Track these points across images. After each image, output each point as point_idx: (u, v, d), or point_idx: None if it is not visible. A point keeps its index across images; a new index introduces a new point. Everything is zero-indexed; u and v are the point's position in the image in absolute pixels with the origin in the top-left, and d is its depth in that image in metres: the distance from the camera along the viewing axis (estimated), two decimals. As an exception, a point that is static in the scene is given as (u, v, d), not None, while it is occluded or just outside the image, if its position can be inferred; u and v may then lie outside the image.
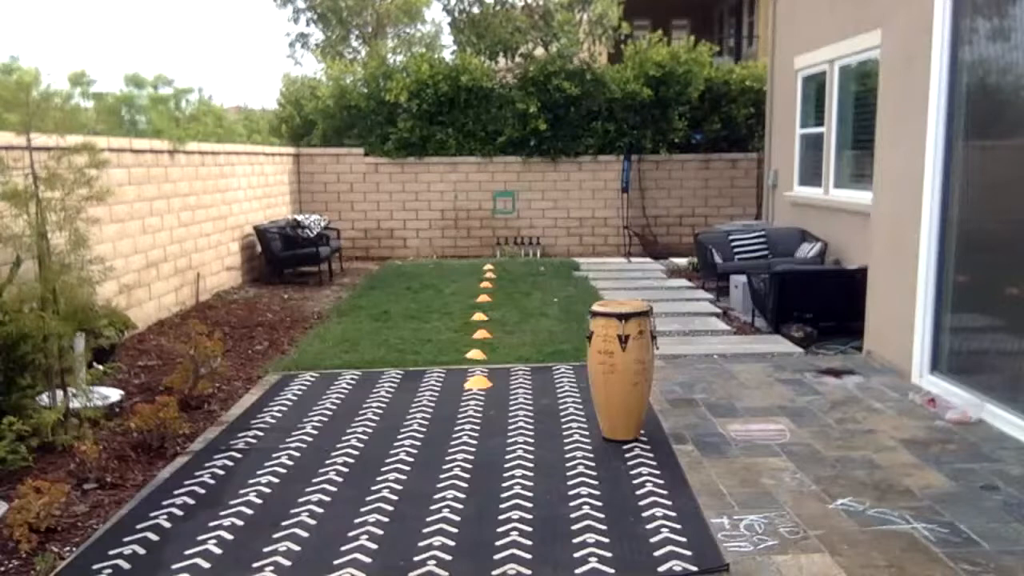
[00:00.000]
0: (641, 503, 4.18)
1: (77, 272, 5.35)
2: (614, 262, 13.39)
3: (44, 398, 5.27)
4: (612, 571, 3.51)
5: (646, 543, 3.75)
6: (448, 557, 3.65)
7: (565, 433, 5.24)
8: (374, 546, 3.77)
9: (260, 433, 5.33)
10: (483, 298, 9.98)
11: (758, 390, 6.10)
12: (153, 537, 3.90)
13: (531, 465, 4.70)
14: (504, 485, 4.42)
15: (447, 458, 4.84)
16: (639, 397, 5.04)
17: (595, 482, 4.46)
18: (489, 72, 14.73)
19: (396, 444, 5.09)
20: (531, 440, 5.12)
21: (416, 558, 3.64)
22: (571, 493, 4.31)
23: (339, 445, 5.09)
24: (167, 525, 4.02)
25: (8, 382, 5.07)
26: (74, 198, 5.29)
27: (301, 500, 4.28)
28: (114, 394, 5.81)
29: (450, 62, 14.80)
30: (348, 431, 5.34)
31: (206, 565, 3.62)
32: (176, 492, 4.40)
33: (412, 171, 14.50)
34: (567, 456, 4.84)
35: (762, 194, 13.17)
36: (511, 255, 14.29)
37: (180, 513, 4.16)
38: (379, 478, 4.55)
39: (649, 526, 3.92)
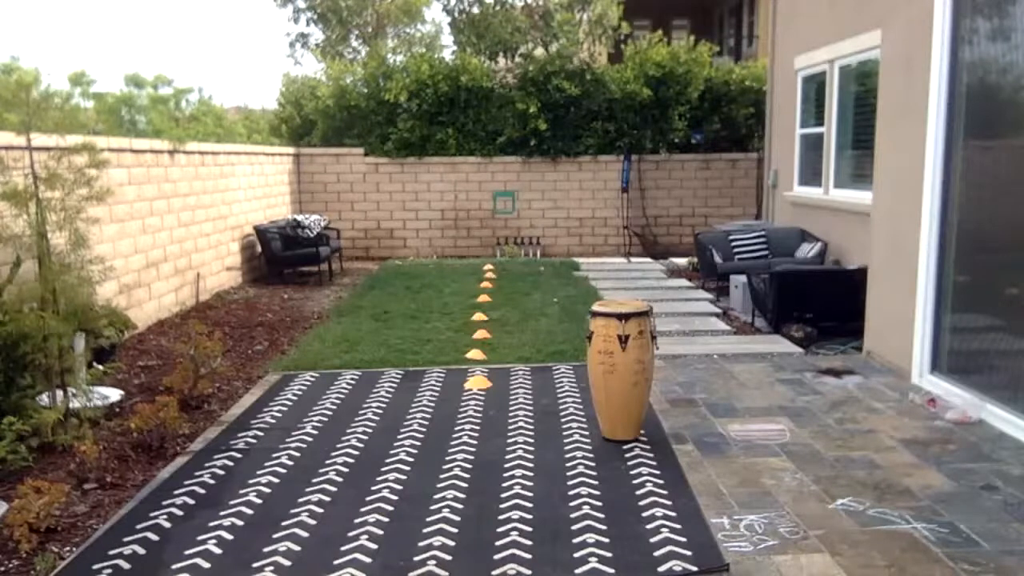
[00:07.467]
0: (641, 503, 4.18)
1: (77, 272, 5.34)
2: (614, 262, 13.39)
3: (44, 398, 5.27)
4: (612, 571, 3.51)
5: (646, 543, 3.75)
6: (448, 557, 3.65)
7: (565, 433, 5.24)
8: (374, 546, 3.77)
9: (260, 433, 5.33)
10: (483, 298, 9.97)
11: (758, 390, 6.10)
12: (153, 537, 3.90)
13: (531, 465, 4.70)
14: (504, 485, 4.42)
15: (447, 458, 4.84)
16: (639, 397, 5.04)
17: (595, 482, 4.45)
18: (489, 72, 14.73)
19: (396, 444, 5.09)
20: (531, 440, 5.12)
21: (416, 558, 3.64)
22: (571, 493, 4.31)
23: (339, 445, 5.09)
24: (167, 525, 4.02)
25: (8, 382, 5.07)
26: (74, 198, 5.29)
27: (301, 500, 4.28)
28: (114, 394, 5.82)
29: (450, 62, 14.80)
30: (348, 431, 5.34)
31: (206, 565, 3.62)
32: (176, 492, 4.40)
33: (412, 171, 14.50)
34: (567, 456, 4.84)
35: (762, 194, 13.16)
36: (511, 255, 14.28)
37: (180, 513, 4.16)
38: (379, 478, 4.55)
39: (649, 526, 3.92)
